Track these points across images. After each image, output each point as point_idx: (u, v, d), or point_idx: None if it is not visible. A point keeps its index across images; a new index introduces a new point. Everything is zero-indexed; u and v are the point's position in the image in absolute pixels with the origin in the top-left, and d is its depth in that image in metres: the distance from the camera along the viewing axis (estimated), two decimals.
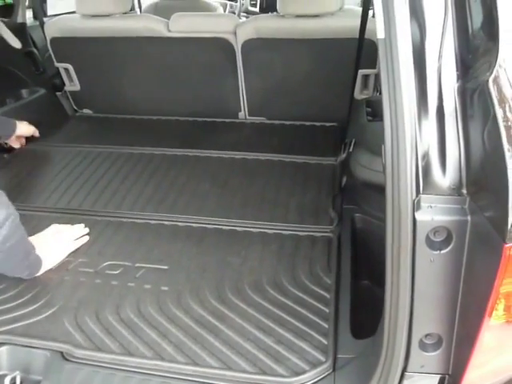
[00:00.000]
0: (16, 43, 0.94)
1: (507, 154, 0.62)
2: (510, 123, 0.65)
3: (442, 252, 0.74)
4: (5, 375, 0.99)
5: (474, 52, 0.73)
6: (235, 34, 2.05)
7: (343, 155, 1.67)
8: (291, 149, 1.91)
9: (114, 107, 2.39)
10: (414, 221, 0.74)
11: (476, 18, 0.74)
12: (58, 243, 1.34)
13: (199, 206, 1.54)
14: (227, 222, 1.46)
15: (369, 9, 1.85)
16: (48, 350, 1.04)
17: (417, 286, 0.77)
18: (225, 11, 3.90)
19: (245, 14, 4.13)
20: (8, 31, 0.94)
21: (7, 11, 2.29)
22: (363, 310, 1.18)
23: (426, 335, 0.81)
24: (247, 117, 2.30)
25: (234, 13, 3.99)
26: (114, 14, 2.10)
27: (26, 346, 1.04)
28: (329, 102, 2.07)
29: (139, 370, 0.99)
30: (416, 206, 0.74)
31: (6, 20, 2.18)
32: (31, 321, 1.11)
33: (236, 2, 4.06)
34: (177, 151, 1.94)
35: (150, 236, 1.42)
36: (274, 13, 2.06)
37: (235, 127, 2.25)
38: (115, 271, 1.27)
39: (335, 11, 1.90)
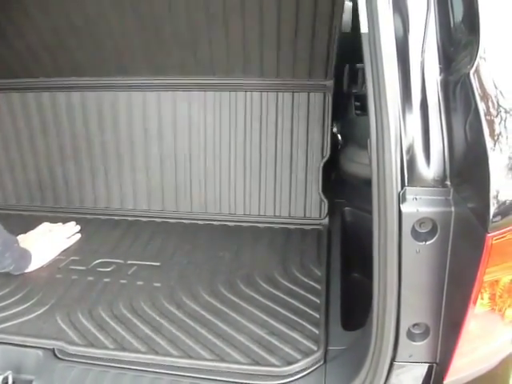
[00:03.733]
0: None
1: (488, 146, 0.63)
2: (491, 116, 0.66)
3: (428, 243, 0.76)
4: None
5: (456, 45, 0.74)
6: None
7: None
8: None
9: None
10: (400, 213, 0.75)
11: (457, 11, 0.75)
12: (49, 241, 1.34)
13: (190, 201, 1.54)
14: (218, 217, 1.47)
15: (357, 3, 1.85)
16: (40, 349, 1.04)
17: (404, 276, 0.78)
18: None
19: None
20: None
21: None
22: (353, 303, 1.20)
23: (414, 325, 0.82)
24: None
25: None
26: None
27: (18, 345, 1.05)
28: None
29: (133, 365, 0.99)
30: (401, 198, 0.75)
31: None
32: (23, 319, 1.12)
33: None
34: None
35: (142, 234, 1.42)
36: None
37: None
38: (107, 268, 1.28)
39: None
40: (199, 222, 1.46)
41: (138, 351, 1.01)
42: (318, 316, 1.08)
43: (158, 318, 1.10)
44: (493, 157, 0.63)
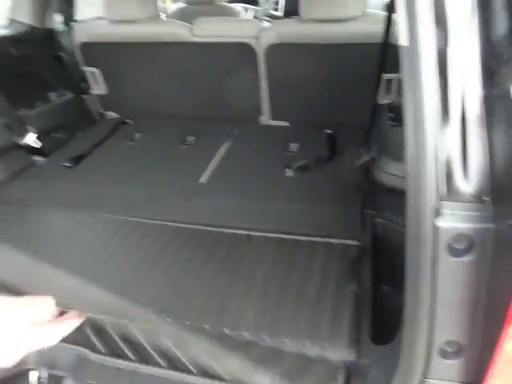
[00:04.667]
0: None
1: None
2: None
3: (464, 259, 0.74)
4: (32, 369, 1.03)
5: (499, 59, 0.73)
6: (258, 38, 2.07)
7: (365, 160, 1.67)
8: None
9: (139, 110, 2.43)
10: (435, 228, 0.74)
11: (500, 24, 0.74)
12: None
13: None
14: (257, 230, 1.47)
15: (392, 13, 1.84)
16: (72, 350, 1.07)
17: (438, 292, 0.77)
18: (247, 13, 3.94)
19: (267, 18, 4.15)
20: None
21: None
22: (383, 316, 1.18)
23: (447, 342, 0.80)
24: (269, 121, 2.32)
25: (256, 17, 4.01)
26: (140, 20, 2.14)
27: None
28: (351, 107, 2.07)
29: (153, 378, 1.01)
30: (437, 213, 0.74)
31: (37, 26, 2.25)
32: None
33: (258, 5, 4.07)
34: None
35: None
36: (296, 17, 2.07)
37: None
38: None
39: (358, 16, 1.90)
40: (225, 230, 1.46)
41: (158, 365, 1.02)
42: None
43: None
44: None
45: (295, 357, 1.02)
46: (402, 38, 0.76)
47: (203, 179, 1.80)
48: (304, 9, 1.98)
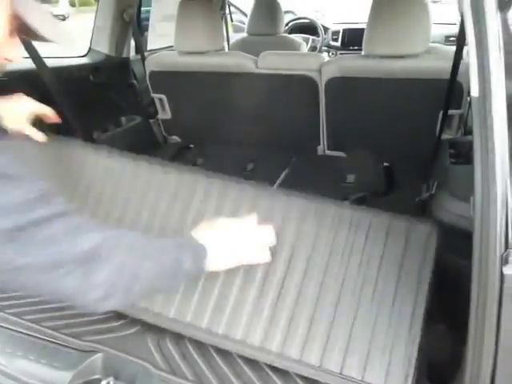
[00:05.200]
0: (71, 44, 0.77)
1: None
2: None
3: None
4: (100, 379, 1.10)
5: None
6: (320, 71, 2.14)
7: (425, 196, 1.67)
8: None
9: (200, 136, 2.55)
10: (502, 275, 0.75)
11: None
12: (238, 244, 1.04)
13: None
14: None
15: (461, 52, 1.85)
16: (135, 364, 1.13)
17: (502, 341, 0.77)
18: (307, 46, 4.04)
19: (326, 48, 4.24)
20: (48, 22, 0.79)
21: None
22: (439, 355, 1.16)
23: None
24: (326, 151, 2.37)
25: (316, 47, 4.10)
26: (208, 52, 2.27)
27: (117, 356, 1.15)
28: (409, 141, 2.08)
29: None
30: (504, 261, 0.75)
31: (113, 55, 2.44)
32: (118, 335, 1.21)
33: (319, 36, 4.17)
34: None
35: None
36: (354, 48, 2.12)
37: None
38: None
39: (420, 53, 1.92)
40: None
41: None
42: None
43: (239, 361, 1.13)
44: None
45: None
46: (474, 89, 0.79)
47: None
48: (368, 45, 2.02)
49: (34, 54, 1.82)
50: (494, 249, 0.75)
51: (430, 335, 1.23)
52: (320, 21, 4.41)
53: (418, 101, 1.97)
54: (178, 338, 1.21)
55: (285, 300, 1.17)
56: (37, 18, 0.72)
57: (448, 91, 1.79)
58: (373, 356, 1.08)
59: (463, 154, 1.79)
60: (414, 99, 1.99)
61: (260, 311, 1.18)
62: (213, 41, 2.26)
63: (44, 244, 0.71)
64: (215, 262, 0.99)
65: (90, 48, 2.45)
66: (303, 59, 2.25)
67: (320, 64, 2.14)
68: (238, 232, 1.04)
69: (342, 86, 2.11)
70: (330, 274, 1.16)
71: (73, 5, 26.25)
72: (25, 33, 0.74)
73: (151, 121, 2.63)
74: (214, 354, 1.16)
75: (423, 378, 1.06)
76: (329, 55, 4.15)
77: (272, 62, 2.22)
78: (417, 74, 1.96)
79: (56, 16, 23.25)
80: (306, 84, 2.18)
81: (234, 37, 3.71)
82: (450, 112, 1.98)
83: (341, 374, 1.05)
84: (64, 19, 22.74)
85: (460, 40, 1.72)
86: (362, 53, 2.06)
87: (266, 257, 1.10)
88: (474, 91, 0.79)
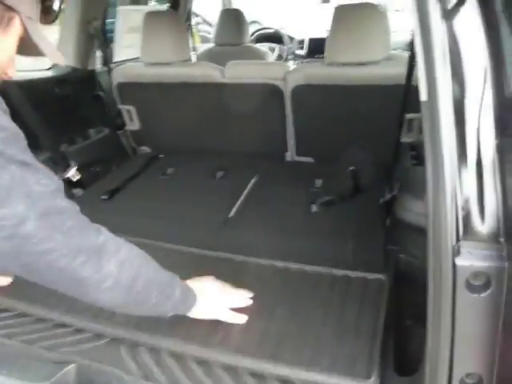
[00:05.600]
0: (57, 58, 0.92)
1: None
2: None
3: (482, 295, 0.80)
4: None
5: (510, 111, 0.80)
6: (285, 80, 2.19)
7: (387, 197, 1.74)
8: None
9: (169, 146, 2.57)
10: (454, 265, 0.80)
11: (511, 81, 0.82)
12: (218, 300, 1.20)
13: None
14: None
15: (414, 57, 1.94)
16: (108, 372, 1.14)
17: (457, 327, 0.82)
18: (273, 54, 4.12)
19: (292, 57, 4.32)
20: (51, 44, 0.87)
21: None
22: (406, 349, 1.22)
23: (467, 374, 0.85)
24: (294, 157, 2.42)
25: (282, 56, 4.18)
26: (173, 62, 2.29)
27: (91, 366, 1.15)
28: (373, 145, 2.15)
29: None
30: (456, 252, 0.80)
31: (78, 68, 2.43)
32: (91, 345, 1.22)
33: (284, 45, 4.26)
34: None
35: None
36: (320, 56, 2.19)
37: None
38: None
39: (380, 60, 2.00)
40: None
41: None
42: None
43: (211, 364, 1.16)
44: None
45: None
46: (423, 94, 0.85)
47: (232, 213, 1.89)
48: (329, 53, 2.10)
49: None
50: (446, 241, 0.80)
51: (398, 331, 1.28)
52: (286, 30, 4.52)
53: (380, 106, 2.05)
54: (153, 346, 1.22)
55: (261, 314, 1.27)
56: (39, 38, 0.81)
57: (404, 96, 1.87)
58: (339, 352, 1.14)
59: (423, 155, 1.87)
60: (376, 104, 2.07)
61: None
62: (179, 51, 2.29)
63: (67, 232, 0.80)
64: (199, 310, 1.14)
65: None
66: (269, 68, 2.31)
67: (285, 72, 2.20)
68: (222, 292, 1.22)
69: (307, 94, 2.17)
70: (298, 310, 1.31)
71: None
72: (27, 51, 0.83)
73: (119, 132, 2.63)
74: (190, 361, 1.18)
75: (390, 370, 1.11)
76: (295, 63, 4.25)
77: (238, 72, 2.27)
78: (377, 81, 2.04)
79: None
80: (271, 92, 2.23)
81: (202, 47, 3.76)
82: (409, 116, 2.06)
83: (310, 370, 1.09)
84: None
85: (413, 46, 1.81)
86: (325, 61, 2.13)
87: (241, 319, 1.24)
88: (423, 95, 0.84)
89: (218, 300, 1.19)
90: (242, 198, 2.02)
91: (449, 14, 0.85)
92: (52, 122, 2.11)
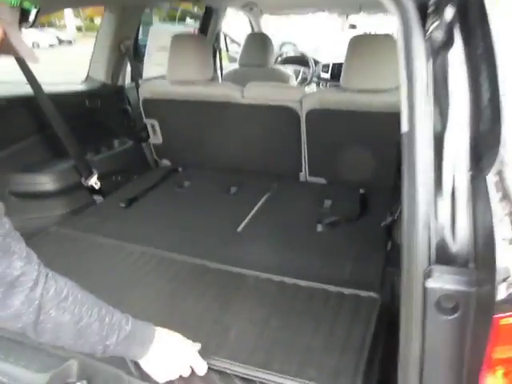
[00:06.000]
0: (32, 58, 0.97)
1: (497, 238, 0.74)
2: (502, 218, 0.77)
3: (450, 318, 0.85)
4: (74, 383, 1.19)
5: (484, 147, 0.86)
6: (301, 103, 2.28)
7: (389, 220, 1.78)
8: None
9: (188, 160, 2.68)
10: (425, 288, 0.85)
11: (486, 117, 0.88)
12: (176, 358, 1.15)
13: None
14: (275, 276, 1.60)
15: None
16: (108, 370, 1.22)
17: (427, 346, 0.87)
18: (297, 77, 4.22)
19: (316, 80, 4.42)
20: (24, 43, 0.93)
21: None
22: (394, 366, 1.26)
23: None
24: (307, 177, 2.49)
25: (307, 78, 4.29)
26: (197, 82, 2.42)
27: (92, 363, 1.24)
28: (381, 169, 2.20)
29: None
30: (427, 275, 0.85)
31: (108, 83, 2.59)
32: None
33: (309, 68, 4.36)
34: None
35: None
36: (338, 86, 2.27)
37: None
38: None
39: (391, 89, 2.07)
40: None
41: None
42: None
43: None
44: (500, 247, 0.73)
45: None
46: (403, 125, 0.91)
47: (240, 228, 1.97)
48: (345, 80, 2.18)
49: (32, 81, 1.96)
50: (417, 264, 0.86)
51: (388, 349, 1.32)
52: (320, 53, 4.63)
53: (389, 133, 2.10)
54: None
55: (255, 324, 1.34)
56: (18, 40, 0.90)
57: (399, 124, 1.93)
58: (325, 365, 1.19)
59: None
60: (386, 131, 2.12)
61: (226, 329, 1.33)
62: (202, 72, 2.42)
63: None
64: (148, 361, 1.11)
65: (87, 76, 2.60)
66: (286, 91, 2.40)
67: (301, 96, 2.29)
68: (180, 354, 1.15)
69: (322, 117, 2.25)
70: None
71: (79, 29, 26.95)
72: (5, 51, 0.91)
73: (143, 144, 2.76)
74: None
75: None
76: (318, 86, 4.34)
77: (257, 93, 2.37)
78: (389, 108, 2.09)
79: (62, 41, 23.94)
80: (288, 114, 2.32)
81: (230, 67, 3.90)
82: None
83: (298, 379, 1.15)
84: (70, 43, 23.33)
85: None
86: (341, 86, 2.21)
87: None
88: (404, 127, 0.91)
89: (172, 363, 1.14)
90: (251, 213, 2.10)
91: (435, 53, 0.92)
92: (80, 132, 2.25)
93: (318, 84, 4.33)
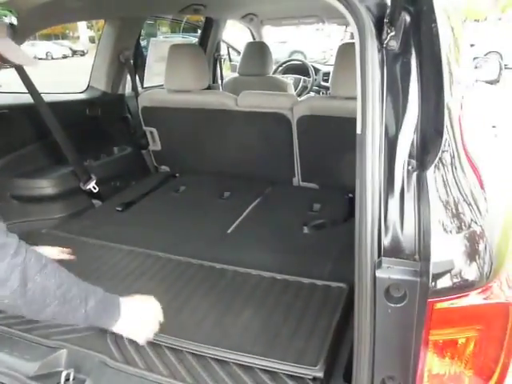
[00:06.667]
0: (28, 61, 1.10)
1: (433, 232, 0.81)
2: (441, 212, 0.84)
3: (398, 305, 0.91)
4: (61, 371, 1.27)
5: (427, 149, 0.93)
6: (292, 110, 2.36)
7: None
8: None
9: (185, 166, 2.78)
10: (375, 277, 0.92)
11: (432, 121, 0.95)
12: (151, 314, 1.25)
13: None
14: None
15: None
16: (94, 357, 1.30)
17: (377, 332, 0.94)
18: (298, 86, 4.30)
19: (316, 88, 4.50)
20: (20, 51, 1.07)
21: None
22: None
23: (388, 377, 0.96)
24: (300, 183, 2.56)
25: (307, 87, 4.37)
26: (193, 90, 2.51)
27: (79, 352, 1.32)
28: None
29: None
30: (377, 266, 0.93)
31: (109, 92, 2.70)
32: (82, 334, 1.38)
33: (310, 77, 4.44)
34: None
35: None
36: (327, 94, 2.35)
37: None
38: None
39: None
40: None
41: (161, 374, 1.24)
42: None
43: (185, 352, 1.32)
44: (435, 240, 0.80)
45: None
46: (358, 127, 0.99)
47: (230, 230, 2.05)
48: (333, 87, 2.26)
49: (31, 90, 2.07)
50: (367, 256, 0.93)
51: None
52: (328, 61, 4.67)
53: None
54: None
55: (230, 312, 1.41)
56: (12, 51, 1.03)
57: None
58: (292, 346, 1.29)
59: None
60: None
61: (203, 315, 1.43)
62: (198, 81, 2.51)
63: None
64: (123, 325, 1.17)
65: (88, 85, 2.71)
66: (277, 99, 2.48)
67: (292, 103, 2.37)
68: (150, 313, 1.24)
69: (312, 124, 2.33)
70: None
71: (92, 41, 27.45)
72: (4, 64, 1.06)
73: (143, 151, 2.86)
74: (164, 348, 1.33)
75: (339, 377, 1.22)
76: (318, 94, 4.42)
77: (250, 101, 2.46)
78: None
79: (76, 51, 24.48)
80: (280, 121, 2.40)
81: (229, 76, 4.00)
82: None
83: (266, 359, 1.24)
84: (83, 54, 23.82)
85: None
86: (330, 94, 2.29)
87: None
88: (358, 129, 0.99)
89: (144, 323, 1.22)
90: (242, 216, 2.18)
91: (389, 61, 0.99)
92: (81, 139, 2.36)
93: (317, 92, 4.39)
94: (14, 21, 1.04)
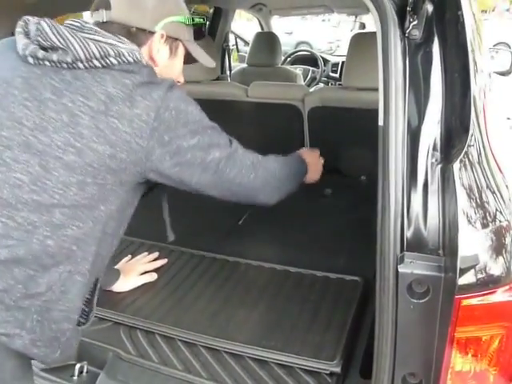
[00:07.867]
0: (209, 62, 1.23)
1: (460, 226, 0.79)
2: (468, 204, 0.81)
3: (421, 301, 0.90)
4: (75, 364, 1.26)
5: (453, 141, 0.91)
6: (303, 101, 2.33)
7: None
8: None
9: None
10: (397, 272, 0.90)
11: (457, 112, 0.92)
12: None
13: None
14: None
15: None
16: (108, 350, 1.29)
17: (399, 329, 0.92)
18: (307, 77, 4.26)
19: (325, 79, 4.45)
20: (204, 53, 1.19)
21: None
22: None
23: (409, 374, 0.94)
24: None
25: (316, 78, 4.32)
26: (203, 81, 2.48)
27: (93, 345, 1.31)
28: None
29: (170, 378, 1.21)
30: (399, 261, 0.90)
31: None
32: (95, 327, 1.36)
33: (319, 68, 4.39)
34: None
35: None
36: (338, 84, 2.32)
37: None
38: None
39: None
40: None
41: (175, 368, 1.23)
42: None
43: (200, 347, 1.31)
44: (462, 234, 0.78)
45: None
46: (380, 119, 0.96)
47: (241, 221, 2.03)
48: (345, 77, 2.22)
49: None
50: (390, 250, 0.91)
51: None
52: (335, 52, 4.62)
53: None
54: (148, 330, 1.37)
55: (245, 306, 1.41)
56: (197, 52, 1.16)
57: None
58: (309, 340, 1.28)
59: None
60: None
61: (217, 309, 1.42)
62: (207, 71, 2.48)
63: (242, 161, 1.19)
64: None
65: None
66: (288, 90, 2.45)
67: (303, 94, 2.34)
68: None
69: (323, 115, 2.30)
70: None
71: None
72: (188, 62, 1.18)
73: None
74: (180, 343, 1.32)
75: (356, 373, 1.20)
76: (327, 85, 4.37)
77: (260, 92, 2.43)
78: None
79: None
80: (291, 112, 2.37)
81: (237, 66, 3.96)
82: None
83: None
84: None
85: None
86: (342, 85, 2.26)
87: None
88: (380, 121, 0.96)
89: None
90: (253, 207, 2.16)
91: (412, 51, 0.96)
92: None
93: (326, 83, 4.34)
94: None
